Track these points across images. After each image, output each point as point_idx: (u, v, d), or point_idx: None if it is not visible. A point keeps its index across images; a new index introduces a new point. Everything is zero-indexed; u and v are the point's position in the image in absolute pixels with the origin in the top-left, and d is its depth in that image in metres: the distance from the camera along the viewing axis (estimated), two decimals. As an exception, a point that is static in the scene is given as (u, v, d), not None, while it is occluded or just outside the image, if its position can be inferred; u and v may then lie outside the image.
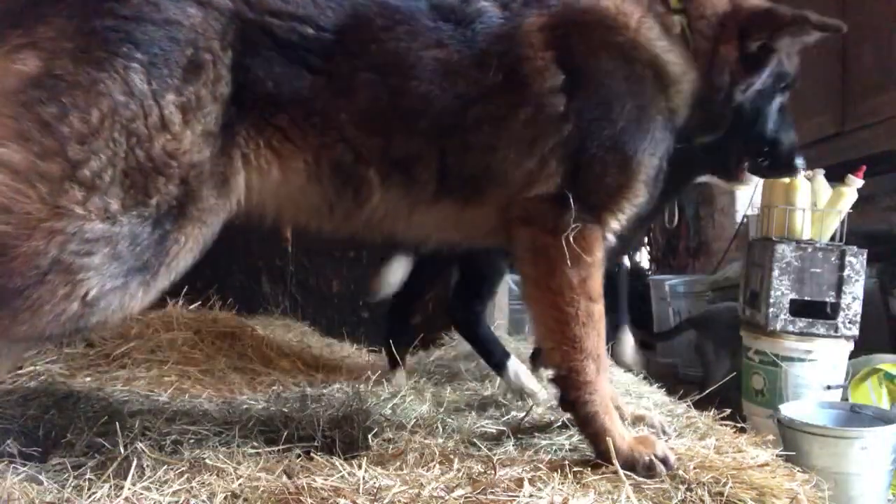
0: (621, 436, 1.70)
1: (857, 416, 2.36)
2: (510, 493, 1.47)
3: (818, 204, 2.80)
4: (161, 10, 1.51)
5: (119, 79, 1.46)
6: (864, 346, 2.80)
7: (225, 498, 1.45)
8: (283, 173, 1.64)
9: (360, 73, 1.64)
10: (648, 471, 1.63)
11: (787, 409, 2.34)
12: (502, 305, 3.24)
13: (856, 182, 2.73)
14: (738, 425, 2.07)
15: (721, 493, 1.57)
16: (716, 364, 3.31)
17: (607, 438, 1.67)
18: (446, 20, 1.70)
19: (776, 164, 2.00)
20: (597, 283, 1.72)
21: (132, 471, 1.53)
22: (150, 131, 1.47)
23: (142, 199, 1.47)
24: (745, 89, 1.82)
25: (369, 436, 1.83)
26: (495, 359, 2.39)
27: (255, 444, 1.77)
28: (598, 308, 1.72)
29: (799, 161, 2.01)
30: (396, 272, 2.66)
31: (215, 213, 1.57)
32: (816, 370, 2.67)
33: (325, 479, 1.49)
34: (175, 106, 1.50)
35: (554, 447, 1.82)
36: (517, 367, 2.35)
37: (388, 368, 2.59)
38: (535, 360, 2.52)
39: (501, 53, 1.68)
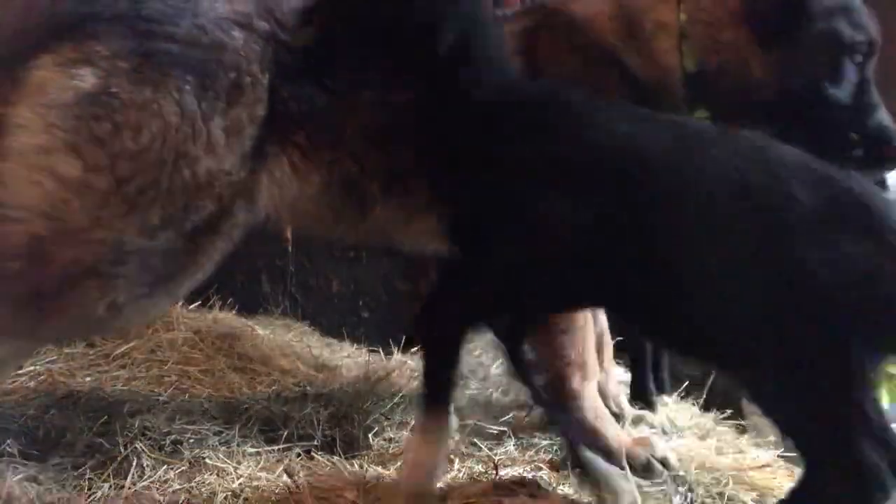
0: (616, 437, 1.71)
1: (857, 416, 2.36)
2: (510, 493, 1.48)
3: (818, 204, 2.79)
4: (209, 34, 1.54)
5: (172, 100, 1.48)
6: (865, 346, 2.80)
7: (225, 498, 1.45)
8: (301, 187, 1.67)
9: (363, 90, 1.66)
10: (645, 471, 1.64)
11: (788, 409, 2.34)
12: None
13: (856, 182, 2.72)
14: (739, 423, 2.07)
15: (721, 494, 1.58)
16: None
17: (600, 441, 1.68)
18: None
19: (872, 153, 1.66)
20: None
21: (132, 471, 1.53)
22: (198, 153, 1.50)
23: (180, 216, 1.50)
24: (779, 74, 1.62)
25: (370, 435, 1.84)
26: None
27: (254, 443, 1.77)
28: (582, 315, 1.73)
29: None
30: None
31: (241, 226, 1.61)
32: (817, 370, 2.66)
33: (326, 479, 1.49)
34: (221, 129, 1.52)
35: (554, 447, 1.82)
36: None
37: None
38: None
39: None
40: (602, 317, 2.06)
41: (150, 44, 1.50)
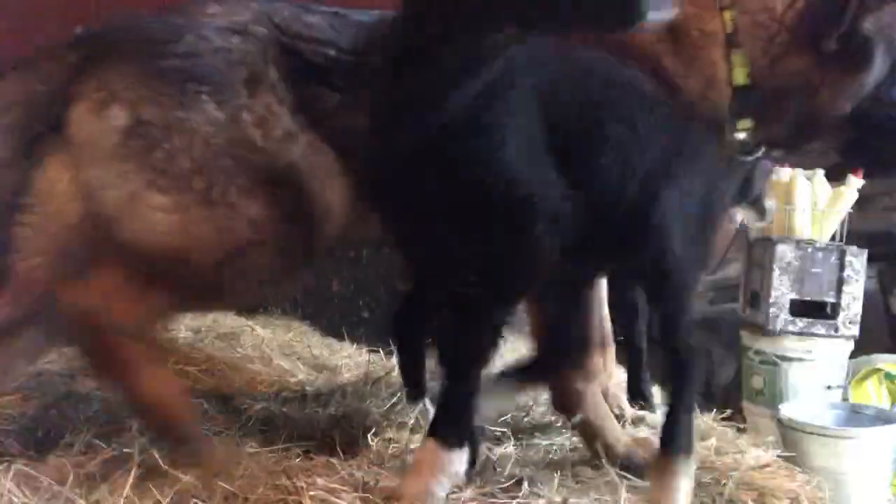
0: (615, 438, 1.72)
1: (857, 416, 2.37)
2: (510, 494, 1.47)
3: (818, 204, 2.80)
4: (209, 41, 1.60)
5: (199, 111, 1.55)
6: (864, 346, 2.81)
7: (225, 498, 1.45)
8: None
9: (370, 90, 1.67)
10: (644, 471, 1.64)
11: (787, 409, 2.35)
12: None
13: (856, 182, 2.73)
14: (740, 423, 2.07)
15: (721, 494, 1.57)
16: (721, 366, 3.32)
17: (599, 442, 1.69)
18: None
19: None
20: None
21: (133, 470, 1.52)
22: (244, 151, 1.57)
23: (272, 205, 1.58)
24: (848, 92, 1.63)
25: (369, 435, 1.83)
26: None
27: (254, 444, 1.77)
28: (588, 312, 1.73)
29: None
30: None
31: (338, 209, 1.65)
32: (816, 370, 2.67)
33: (325, 479, 1.49)
34: (251, 124, 1.58)
35: (554, 447, 1.82)
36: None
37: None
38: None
39: None
40: (606, 317, 2.06)
41: (159, 64, 1.57)
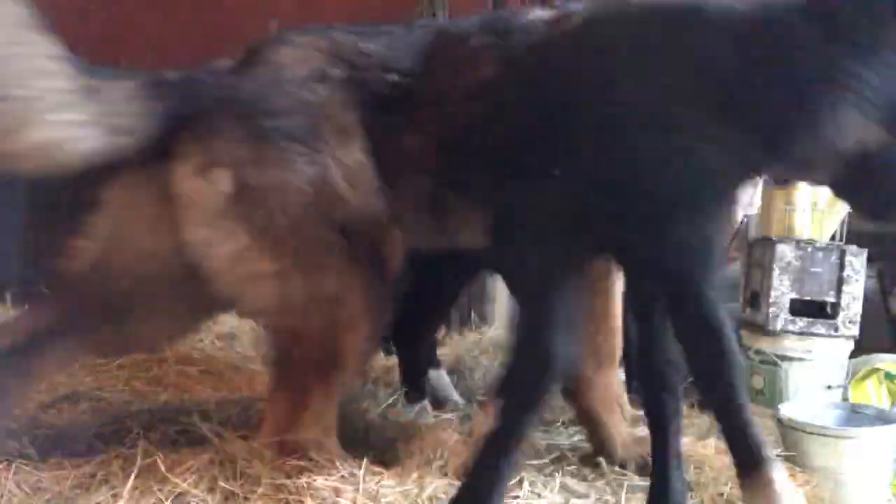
0: (618, 432, 1.71)
1: (857, 416, 2.36)
2: (510, 493, 1.48)
3: (818, 204, 2.80)
4: (297, 97, 1.62)
5: (296, 171, 1.57)
6: (864, 346, 2.80)
7: (226, 498, 1.45)
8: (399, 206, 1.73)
9: (425, 107, 1.68)
10: (641, 470, 1.64)
11: (787, 409, 2.34)
12: (503, 304, 3.24)
13: (856, 182, 2.73)
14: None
15: (721, 494, 1.58)
16: None
17: (599, 433, 1.69)
18: (496, 35, 1.69)
19: None
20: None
21: (134, 470, 1.53)
22: (334, 206, 1.60)
23: (364, 253, 1.62)
24: None
25: (368, 434, 1.83)
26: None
27: (255, 444, 1.77)
28: (601, 304, 1.73)
29: None
30: None
31: (401, 248, 1.70)
32: (816, 370, 2.67)
33: (326, 479, 1.49)
34: (342, 178, 1.61)
35: (554, 447, 1.82)
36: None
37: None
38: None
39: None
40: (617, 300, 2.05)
41: (256, 123, 1.59)
